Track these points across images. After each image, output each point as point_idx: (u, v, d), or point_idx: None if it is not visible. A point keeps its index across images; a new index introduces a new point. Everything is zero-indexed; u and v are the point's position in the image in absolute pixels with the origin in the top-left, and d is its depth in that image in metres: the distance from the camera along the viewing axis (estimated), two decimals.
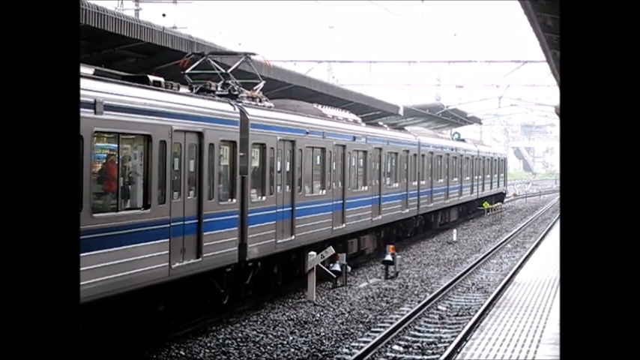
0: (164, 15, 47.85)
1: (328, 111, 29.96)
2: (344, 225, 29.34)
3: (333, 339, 19.40)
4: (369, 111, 46.90)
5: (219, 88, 22.34)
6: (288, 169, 24.34)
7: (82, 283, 14.19)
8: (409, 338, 19.90)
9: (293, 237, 24.46)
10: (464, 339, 18.77)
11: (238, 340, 18.99)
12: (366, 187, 32.41)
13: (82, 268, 14.18)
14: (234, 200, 20.74)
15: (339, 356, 17.87)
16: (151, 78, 17.97)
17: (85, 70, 15.99)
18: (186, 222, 18.22)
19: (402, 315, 22.21)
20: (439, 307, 24.10)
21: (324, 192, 27.46)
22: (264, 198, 22.53)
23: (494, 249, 39.45)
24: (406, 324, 21.21)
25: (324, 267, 25.92)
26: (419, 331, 20.87)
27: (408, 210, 39.40)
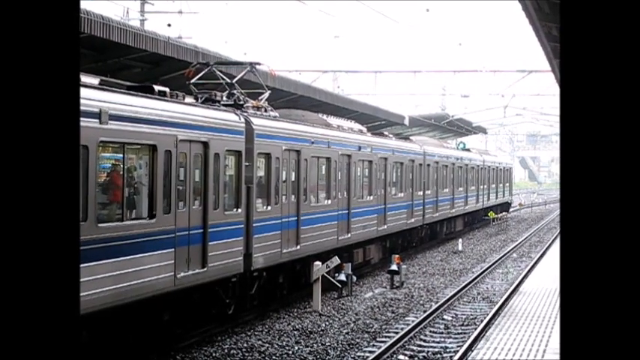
0: (169, 25, 47.97)
1: (333, 121, 29.97)
2: (349, 235, 29.32)
3: (339, 349, 19.38)
4: (375, 121, 46.91)
5: (224, 98, 22.35)
6: (293, 178, 24.34)
7: (87, 293, 14.20)
8: (415, 348, 19.87)
9: (298, 247, 24.45)
10: (469, 349, 18.75)
11: (243, 350, 18.98)
12: (372, 197, 32.39)
13: (87, 278, 14.23)
14: (240, 210, 20.74)
15: None
16: (157, 88, 17.99)
17: (90, 80, 16.00)
18: (191, 232, 18.23)
19: (408, 325, 22.19)
20: (445, 316, 24.07)
21: (330, 202, 27.45)
22: (269, 208, 22.53)
23: (500, 258, 39.39)
24: (412, 334, 21.18)
25: (329, 277, 25.90)
26: (424, 340, 20.84)
27: (413, 220, 39.38)
